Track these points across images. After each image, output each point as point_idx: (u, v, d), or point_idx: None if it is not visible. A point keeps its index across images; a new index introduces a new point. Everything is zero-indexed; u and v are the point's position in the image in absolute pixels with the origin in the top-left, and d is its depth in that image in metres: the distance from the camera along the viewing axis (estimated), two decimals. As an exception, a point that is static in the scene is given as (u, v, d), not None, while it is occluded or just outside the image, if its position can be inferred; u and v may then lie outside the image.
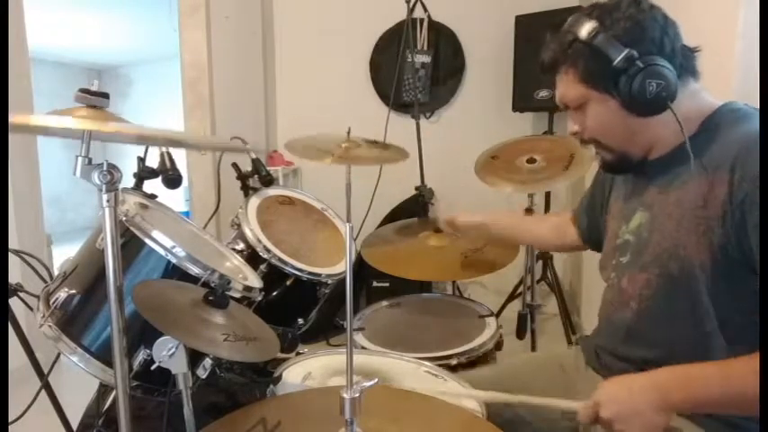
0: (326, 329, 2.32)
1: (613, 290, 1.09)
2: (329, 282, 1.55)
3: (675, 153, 0.98)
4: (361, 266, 1.92)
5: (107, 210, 0.79)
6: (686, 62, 0.96)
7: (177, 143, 1.08)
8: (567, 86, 1.01)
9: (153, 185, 1.32)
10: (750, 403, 0.79)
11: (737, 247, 0.86)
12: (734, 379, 0.82)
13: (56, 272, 1.15)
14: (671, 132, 0.97)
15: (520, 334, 2.24)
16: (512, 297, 2.83)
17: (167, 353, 0.86)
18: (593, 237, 1.28)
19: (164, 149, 1.28)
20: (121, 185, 0.83)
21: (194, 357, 0.94)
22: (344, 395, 0.74)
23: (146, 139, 1.03)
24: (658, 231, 0.98)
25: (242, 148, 1.43)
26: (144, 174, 1.30)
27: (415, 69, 3.22)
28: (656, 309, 0.99)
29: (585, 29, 0.95)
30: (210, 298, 0.97)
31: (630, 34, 0.92)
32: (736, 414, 0.88)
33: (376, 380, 0.78)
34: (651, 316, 1.00)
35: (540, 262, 2.81)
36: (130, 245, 1.04)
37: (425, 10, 3.24)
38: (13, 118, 0.75)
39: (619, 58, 0.92)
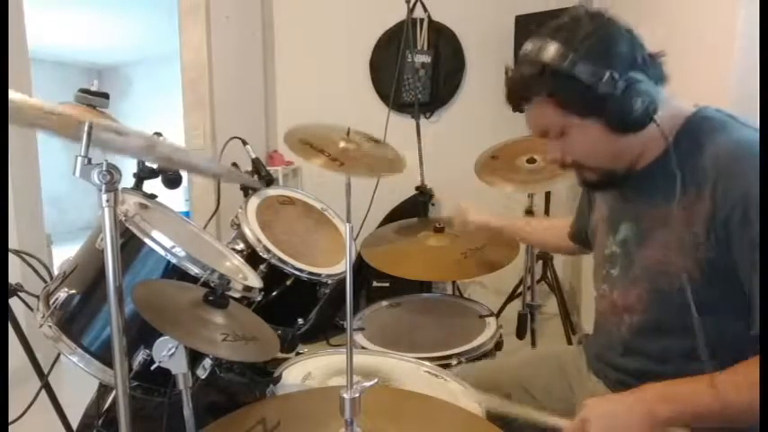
0: (326, 329, 2.32)
1: (605, 301, 1.08)
2: (329, 282, 1.55)
3: (659, 163, 0.95)
4: (361, 266, 1.92)
5: (107, 210, 0.79)
6: (655, 70, 0.91)
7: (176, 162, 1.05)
8: (544, 117, 0.95)
9: (153, 185, 1.32)
10: (740, 413, 0.79)
11: (723, 262, 0.85)
12: (721, 389, 0.81)
13: (56, 272, 1.15)
14: (654, 142, 0.94)
15: (520, 334, 2.24)
16: (512, 297, 2.83)
17: (167, 353, 0.86)
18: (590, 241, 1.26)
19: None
20: (121, 185, 0.83)
21: (194, 357, 0.94)
22: (344, 395, 0.74)
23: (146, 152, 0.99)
24: (646, 246, 0.97)
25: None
26: (144, 174, 1.30)
27: (415, 69, 3.22)
28: (649, 322, 0.98)
29: (553, 54, 0.87)
30: (210, 298, 0.97)
31: (600, 51, 0.86)
32: (729, 425, 0.85)
33: (376, 380, 0.78)
34: (645, 329, 0.99)
35: (540, 262, 2.81)
36: (130, 245, 1.04)
37: (425, 10, 3.24)
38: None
39: (600, 82, 0.85)
